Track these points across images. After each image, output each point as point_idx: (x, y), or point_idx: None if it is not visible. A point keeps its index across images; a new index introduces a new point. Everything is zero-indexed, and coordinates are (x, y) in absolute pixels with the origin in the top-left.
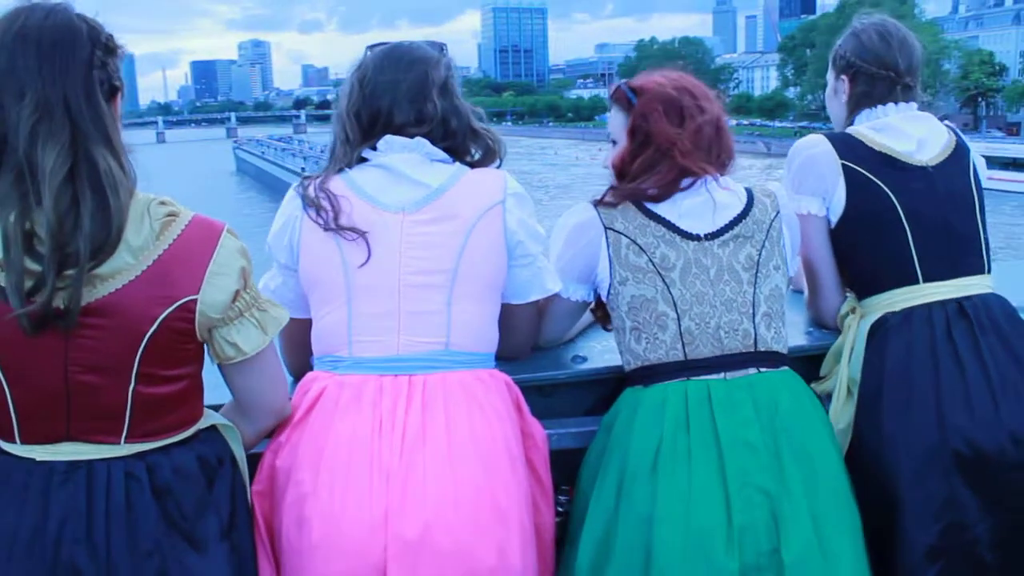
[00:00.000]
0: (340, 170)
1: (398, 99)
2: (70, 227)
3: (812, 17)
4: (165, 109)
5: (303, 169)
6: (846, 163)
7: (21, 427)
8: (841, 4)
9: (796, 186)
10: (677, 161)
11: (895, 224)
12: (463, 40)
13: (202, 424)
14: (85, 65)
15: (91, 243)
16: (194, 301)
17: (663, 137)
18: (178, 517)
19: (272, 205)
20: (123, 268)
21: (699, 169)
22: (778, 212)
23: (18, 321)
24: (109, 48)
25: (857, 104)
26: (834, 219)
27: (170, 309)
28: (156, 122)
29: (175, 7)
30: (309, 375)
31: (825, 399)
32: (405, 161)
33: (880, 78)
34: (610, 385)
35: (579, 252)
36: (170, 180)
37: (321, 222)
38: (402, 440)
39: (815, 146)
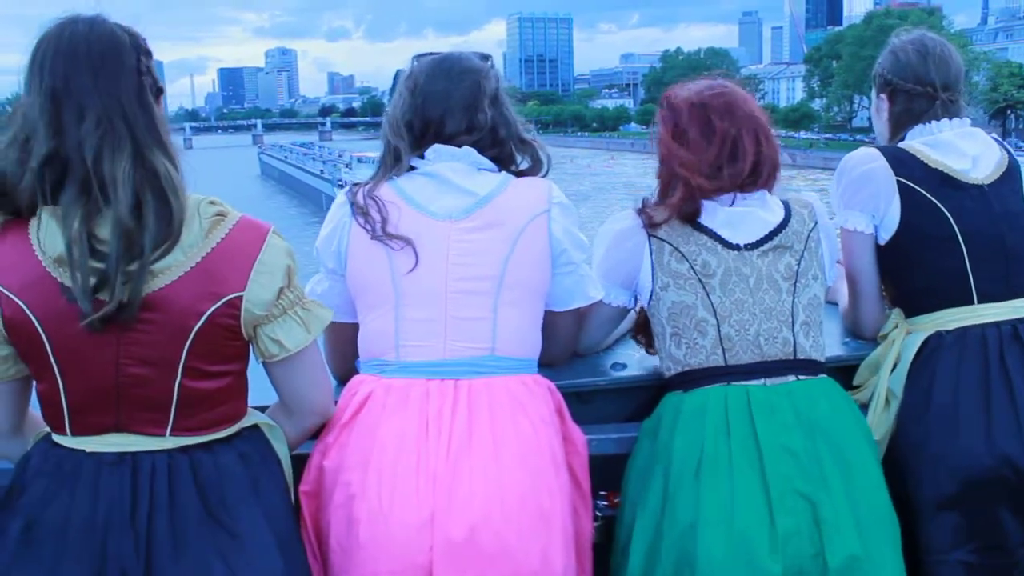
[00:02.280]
0: (389, 178)
1: (451, 108)
2: (136, 228)
3: (839, 28)
4: (192, 116)
5: (322, 171)
6: (901, 180)
7: (72, 419)
8: (868, 15)
9: (846, 201)
10: (686, 181)
11: (951, 243)
12: (489, 49)
13: (246, 423)
14: (135, 72)
15: (154, 241)
16: (240, 298)
17: (667, 154)
18: (220, 511)
19: (295, 206)
20: (173, 264)
21: (709, 190)
22: (816, 223)
23: (87, 321)
24: (147, 52)
25: (898, 122)
26: (885, 236)
27: (217, 305)
28: (183, 128)
29: (203, 15)
30: (356, 378)
31: (859, 409)
32: (452, 169)
33: (917, 95)
34: (648, 392)
35: (623, 258)
36: (198, 184)
37: (369, 229)
38: (448, 443)
39: (870, 161)
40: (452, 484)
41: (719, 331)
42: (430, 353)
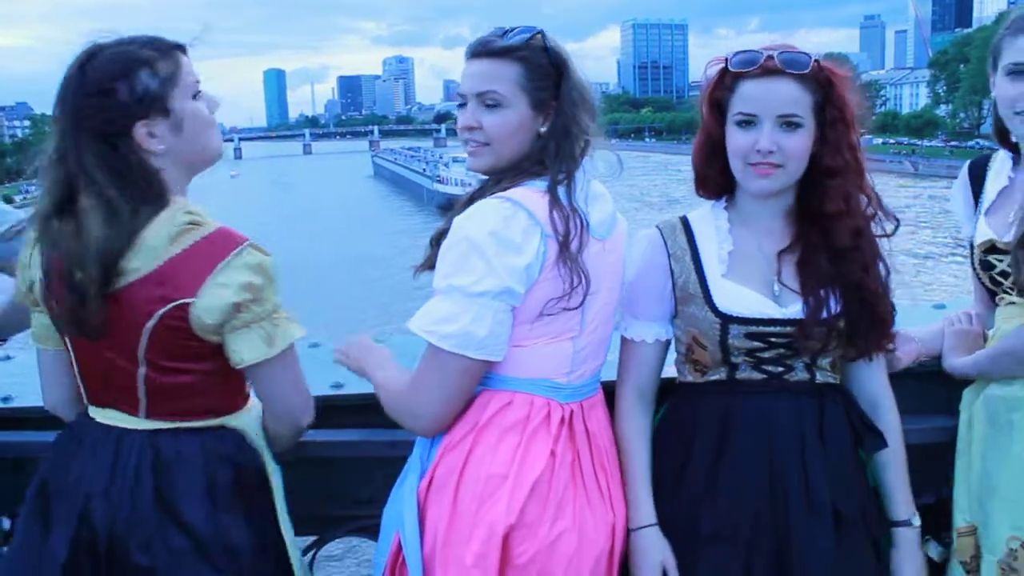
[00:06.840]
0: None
1: None
2: (79, 251)
3: (968, 30)
4: (312, 122)
5: (424, 170)
6: None
7: (87, 392)
8: (1001, 16)
9: None
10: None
11: None
12: (603, 56)
13: (231, 422)
14: (96, 108)
15: (100, 253)
16: (189, 304)
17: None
18: (168, 495)
19: (403, 200)
20: (131, 268)
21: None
22: None
23: (59, 327)
24: (149, 76)
25: None
26: None
27: (166, 308)
28: (303, 135)
29: (324, 24)
30: (521, 397)
31: None
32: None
33: None
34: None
35: None
36: (316, 183)
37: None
38: (606, 458)
39: None
40: (614, 492)
41: None
42: (585, 375)
